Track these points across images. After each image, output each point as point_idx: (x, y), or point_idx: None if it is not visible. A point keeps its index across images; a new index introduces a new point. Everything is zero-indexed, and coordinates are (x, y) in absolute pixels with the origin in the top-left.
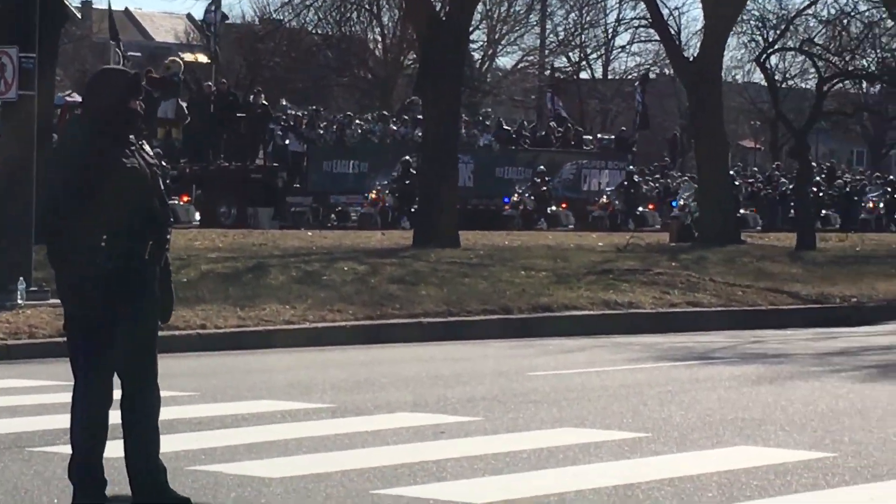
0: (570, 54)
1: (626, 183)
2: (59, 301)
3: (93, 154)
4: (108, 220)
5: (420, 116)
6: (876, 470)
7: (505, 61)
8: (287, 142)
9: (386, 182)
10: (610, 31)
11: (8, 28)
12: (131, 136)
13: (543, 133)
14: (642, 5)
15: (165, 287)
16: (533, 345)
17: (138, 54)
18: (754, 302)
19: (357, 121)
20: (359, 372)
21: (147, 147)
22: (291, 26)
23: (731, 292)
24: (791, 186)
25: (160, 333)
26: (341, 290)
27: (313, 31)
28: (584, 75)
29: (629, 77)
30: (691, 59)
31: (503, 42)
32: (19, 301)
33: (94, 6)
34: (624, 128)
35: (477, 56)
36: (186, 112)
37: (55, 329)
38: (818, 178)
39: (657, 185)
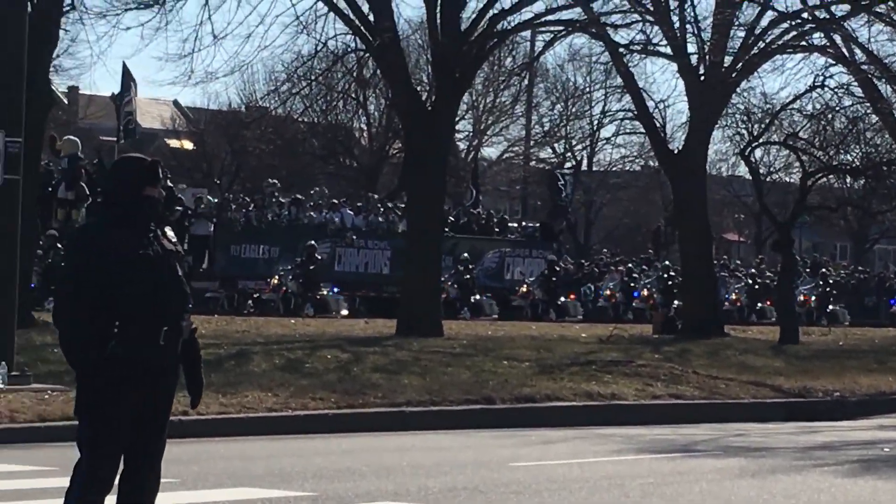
0: (556, 145)
1: (546, 272)
2: (41, 385)
3: (107, 240)
4: (119, 306)
5: (335, 201)
6: None
7: (490, 151)
8: (189, 224)
9: (290, 267)
10: (595, 122)
11: None
12: (150, 223)
13: (465, 220)
14: (628, 97)
15: (193, 372)
16: (515, 435)
17: (123, 140)
18: (737, 395)
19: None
20: (340, 460)
21: (169, 232)
22: (277, 114)
23: (714, 385)
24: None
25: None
26: (323, 377)
27: (299, 119)
28: (568, 166)
29: (614, 169)
30: (676, 151)
31: (489, 132)
32: (0, 385)
33: (80, 91)
34: (550, 214)
35: (462, 146)
36: (87, 192)
37: (36, 414)
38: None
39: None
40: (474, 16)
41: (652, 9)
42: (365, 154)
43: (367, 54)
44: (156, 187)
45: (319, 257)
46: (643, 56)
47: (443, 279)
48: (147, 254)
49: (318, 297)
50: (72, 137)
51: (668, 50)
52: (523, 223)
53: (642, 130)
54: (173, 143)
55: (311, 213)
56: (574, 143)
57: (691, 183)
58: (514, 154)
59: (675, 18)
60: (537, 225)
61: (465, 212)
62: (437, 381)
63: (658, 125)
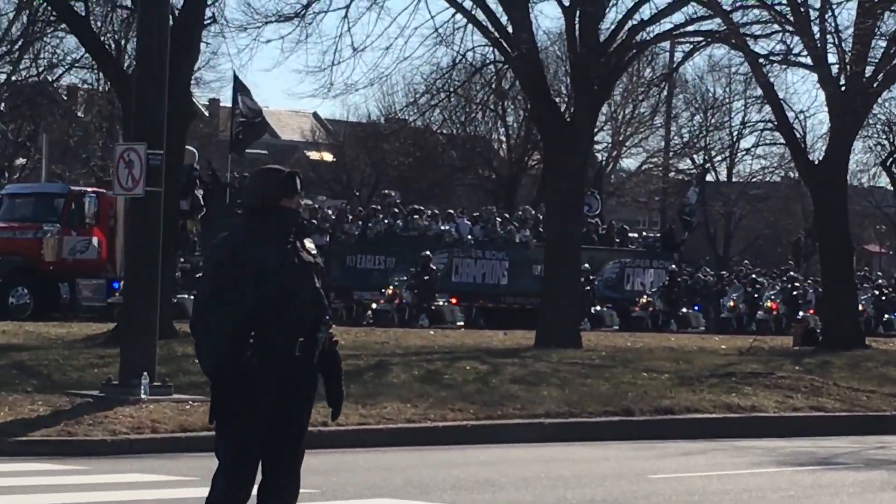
0: (695, 156)
1: (667, 283)
2: (182, 396)
3: (245, 251)
4: (256, 316)
5: (451, 211)
6: None
7: (629, 162)
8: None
9: (405, 278)
10: (735, 133)
11: (136, 124)
12: (289, 233)
13: (585, 230)
14: (768, 108)
15: (333, 384)
16: (654, 447)
17: (264, 152)
18: (878, 407)
19: (380, 215)
20: (479, 472)
21: (309, 244)
22: (416, 125)
23: (856, 397)
24: None
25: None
26: (462, 389)
27: (438, 131)
28: (708, 178)
29: (754, 180)
30: (816, 162)
31: (627, 143)
32: (142, 396)
33: (221, 104)
34: (673, 225)
35: (601, 157)
36: (202, 203)
37: (177, 424)
38: None
39: (780, 288)
40: (613, 27)
41: (792, 19)
42: (504, 165)
43: (506, 66)
44: (293, 198)
45: (434, 268)
46: (783, 66)
47: (735, 298)
48: (285, 264)
49: (434, 307)
50: (189, 148)
51: (809, 60)
52: (644, 233)
53: (782, 141)
54: (313, 154)
55: (427, 223)
56: (713, 153)
57: (832, 194)
58: (652, 165)
59: (815, 29)
60: (658, 235)
61: (585, 222)
62: (576, 392)
63: (798, 136)
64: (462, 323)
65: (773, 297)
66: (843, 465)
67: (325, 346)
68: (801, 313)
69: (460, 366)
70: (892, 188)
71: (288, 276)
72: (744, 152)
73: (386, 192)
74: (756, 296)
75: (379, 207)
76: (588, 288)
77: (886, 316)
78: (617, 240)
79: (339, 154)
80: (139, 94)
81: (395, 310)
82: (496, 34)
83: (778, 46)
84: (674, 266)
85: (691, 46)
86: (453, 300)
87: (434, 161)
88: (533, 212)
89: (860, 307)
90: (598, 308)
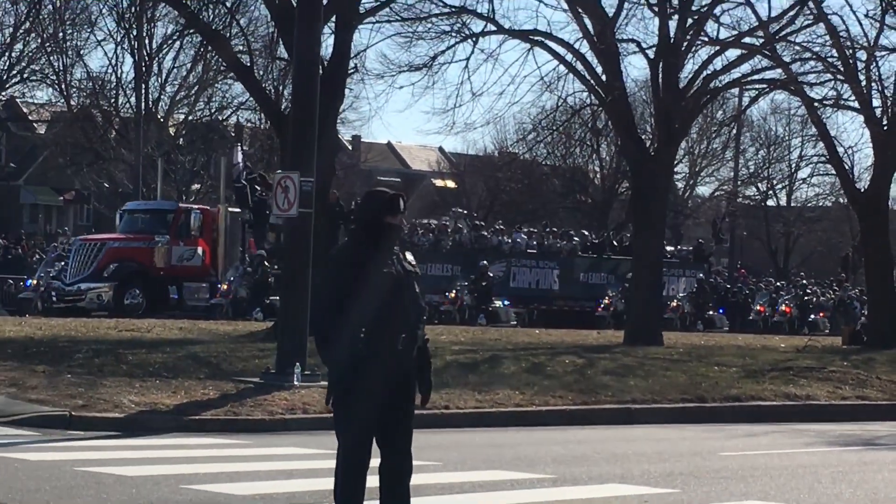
0: (759, 185)
1: (696, 289)
2: (327, 383)
3: (355, 261)
4: (366, 316)
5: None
6: None
7: (703, 189)
8: None
9: (466, 283)
10: (793, 165)
11: (291, 156)
12: (394, 246)
13: (627, 244)
14: (821, 144)
15: (424, 375)
16: (723, 429)
17: (398, 180)
18: None
19: (449, 230)
20: (576, 449)
21: (409, 256)
22: (525, 158)
23: (895, 388)
24: None
25: (420, 412)
26: (562, 379)
27: (543, 163)
28: (770, 203)
29: (809, 205)
30: (862, 190)
31: (702, 174)
32: (295, 383)
33: (362, 140)
34: (701, 240)
35: (680, 185)
36: None
37: (323, 407)
38: None
39: (833, 296)
40: (690, 76)
41: (842, 69)
42: (597, 192)
43: (600, 108)
44: (395, 216)
45: (492, 275)
46: (834, 109)
47: (611, 295)
48: (390, 272)
49: (490, 308)
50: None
51: (856, 104)
52: (678, 247)
53: (833, 172)
54: (438, 182)
55: (489, 236)
56: (775, 182)
57: (875, 218)
58: (723, 192)
59: (862, 77)
60: (690, 248)
61: (625, 236)
62: (658, 382)
63: (847, 168)
64: (515, 322)
65: (786, 302)
66: (884, 446)
67: (421, 342)
68: (812, 316)
69: (560, 359)
70: None
71: (393, 283)
72: (800, 181)
73: (455, 209)
74: (807, 301)
75: (448, 223)
76: (702, 300)
77: None
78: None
79: (460, 182)
80: (294, 131)
81: (456, 310)
82: (592, 82)
83: (830, 92)
84: (702, 275)
85: (757, 92)
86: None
87: (539, 188)
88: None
89: None
90: (711, 313)
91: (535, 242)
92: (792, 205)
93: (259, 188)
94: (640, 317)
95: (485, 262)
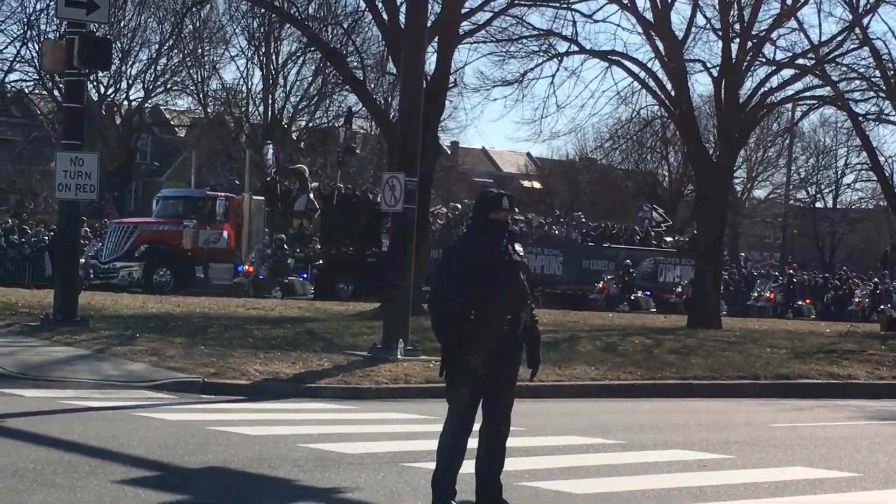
0: (808, 189)
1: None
2: (427, 357)
3: (466, 252)
4: (475, 299)
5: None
6: None
7: (759, 192)
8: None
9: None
10: (839, 172)
11: (398, 159)
12: (502, 239)
13: (626, 235)
14: (864, 154)
15: (533, 353)
16: (774, 403)
17: (490, 181)
18: None
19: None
20: (643, 418)
21: (517, 247)
22: (602, 163)
23: None
24: None
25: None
26: (632, 357)
27: (618, 167)
28: (818, 205)
29: (853, 206)
30: None
31: (758, 178)
32: (399, 356)
33: (460, 145)
34: (696, 232)
35: (739, 188)
36: (317, 206)
37: (424, 377)
38: None
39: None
40: (749, 92)
41: (885, 87)
42: (666, 193)
43: (669, 120)
44: (499, 213)
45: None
46: (877, 123)
47: (606, 279)
48: (498, 261)
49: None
50: (301, 165)
51: None
52: (677, 237)
53: (875, 178)
54: (526, 183)
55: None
56: (822, 187)
57: None
58: (777, 195)
59: None
60: (688, 239)
61: (629, 228)
62: (717, 361)
63: (887, 174)
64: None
65: (771, 289)
66: None
67: (528, 322)
68: (798, 302)
69: (630, 340)
70: None
71: (500, 271)
72: (845, 186)
73: (453, 204)
74: (793, 289)
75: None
76: (627, 279)
77: None
78: (654, 242)
79: (545, 183)
80: (400, 137)
81: (603, 299)
82: (662, 97)
83: (873, 108)
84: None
85: (808, 107)
86: None
87: (615, 189)
88: (584, 219)
89: None
90: (638, 294)
91: (545, 230)
92: (837, 207)
93: (286, 182)
94: (702, 303)
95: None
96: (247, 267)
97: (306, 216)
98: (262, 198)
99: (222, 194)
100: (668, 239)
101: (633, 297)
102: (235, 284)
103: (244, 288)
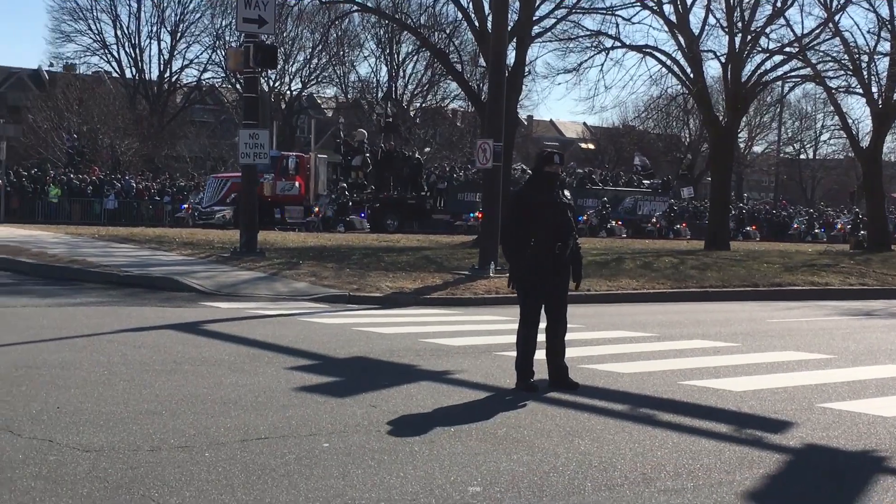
0: (794, 145)
1: (666, 210)
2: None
3: (527, 196)
4: (535, 231)
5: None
6: None
7: (757, 148)
8: (433, 179)
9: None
10: (817, 132)
11: (488, 130)
12: (554, 186)
13: (610, 177)
14: (837, 118)
15: (576, 269)
16: (770, 306)
17: (556, 144)
18: None
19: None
20: (672, 317)
21: (566, 192)
22: (639, 129)
23: (885, 278)
24: None
25: (572, 293)
26: (663, 272)
27: (651, 132)
28: (802, 156)
29: (828, 158)
30: (864, 148)
31: (756, 138)
32: (491, 274)
33: (534, 118)
34: (669, 177)
35: (742, 145)
36: (369, 162)
37: (508, 289)
38: None
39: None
40: (749, 74)
41: (852, 67)
42: (687, 150)
43: (689, 96)
44: (551, 166)
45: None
46: (846, 94)
47: (588, 213)
48: (550, 202)
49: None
50: (361, 130)
51: (861, 90)
52: (652, 180)
53: (845, 136)
54: (583, 145)
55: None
56: (805, 143)
57: (872, 165)
58: (771, 150)
59: (864, 73)
60: (660, 182)
61: (615, 173)
62: (727, 274)
63: (854, 133)
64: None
65: (657, 216)
66: (878, 316)
67: (573, 248)
68: (676, 226)
69: (662, 259)
70: None
71: (552, 210)
72: (822, 142)
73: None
74: (825, 221)
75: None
76: (604, 212)
77: None
78: (635, 183)
79: (597, 145)
80: (489, 113)
81: (479, 225)
82: (684, 78)
83: (843, 83)
84: (672, 201)
85: (793, 84)
86: None
87: (650, 148)
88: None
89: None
90: (612, 224)
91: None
92: (816, 158)
93: (344, 147)
94: (715, 229)
95: (512, 188)
96: (316, 209)
97: (361, 169)
98: (325, 155)
99: (293, 154)
100: (646, 182)
101: (608, 227)
102: (307, 222)
103: (314, 225)
